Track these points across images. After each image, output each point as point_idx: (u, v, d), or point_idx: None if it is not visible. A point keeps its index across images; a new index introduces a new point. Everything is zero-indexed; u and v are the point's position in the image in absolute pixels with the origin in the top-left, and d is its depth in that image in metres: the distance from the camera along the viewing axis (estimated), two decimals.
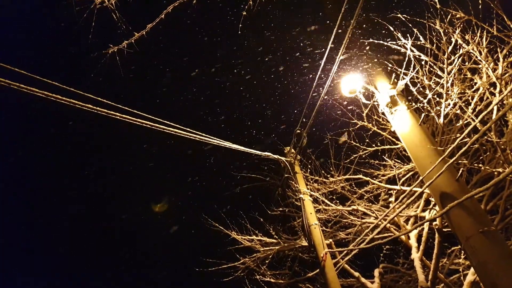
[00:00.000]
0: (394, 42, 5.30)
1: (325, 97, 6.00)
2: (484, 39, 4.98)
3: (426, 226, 7.04)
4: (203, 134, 5.55)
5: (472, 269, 6.19)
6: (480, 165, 5.94)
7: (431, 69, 5.37)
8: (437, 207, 6.25)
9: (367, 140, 7.18)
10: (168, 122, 4.89)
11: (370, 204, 7.90)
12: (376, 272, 7.73)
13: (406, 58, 5.10)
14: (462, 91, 5.36)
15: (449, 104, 5.09)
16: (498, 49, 4.88)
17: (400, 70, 5.12)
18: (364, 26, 5.86)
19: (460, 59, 5.08)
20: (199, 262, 9.05)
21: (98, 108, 3.97)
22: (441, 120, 4.92)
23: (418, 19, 5.31)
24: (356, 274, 7.52)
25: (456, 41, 5.10)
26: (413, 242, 7.23)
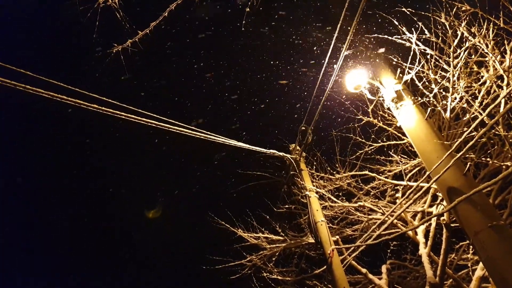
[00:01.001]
0: (399, 37, 5.25)
1: (330, 93, 5.97)
2: (490, 32, 4.91)
3: (433, 222, 6.99)
4: (208, 133, 5.55)
5: (481, 264, 6.14)
6: (488, 159, 5.88)
7: (437, 63, 5.32)
8: (444, 202, 6.20)
9: (372, 136, 7.15)
10: (173, 121, 4.90)
11: (377, 200, 7.86)
12: (384, 268, 7.70)
13: (411, 52, 5.05)
14: (469, 84, 5.30)
15: (455, 98, 5.04)
16: (505, 41, 4.82)
17: (405, 64, 5.08)
18: (368, 20, 5.82)
19: (466, 52, 5.02)
20: (205, 260, 9.08)
21: (103, 108, 3.98)
22: (448, 114, 4.87)
23: (423, 13, 5.26)
24: (364, 270, 7.50)
25: (462, 34, 5.04)
26: (420, 237, 7.18)
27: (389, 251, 8.71)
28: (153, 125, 4.61)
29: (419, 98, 5.06)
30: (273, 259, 8.65)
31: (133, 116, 4.28)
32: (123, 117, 4.25)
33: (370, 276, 7.42)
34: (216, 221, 8.88)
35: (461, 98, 5.16)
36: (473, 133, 4.87)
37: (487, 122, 4.82)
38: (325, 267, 7.61)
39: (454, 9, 5.05)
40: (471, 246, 7.80)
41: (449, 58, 5.03)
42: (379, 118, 6.59)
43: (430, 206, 7.08)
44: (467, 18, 5.00)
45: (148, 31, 4.11)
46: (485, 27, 4.91)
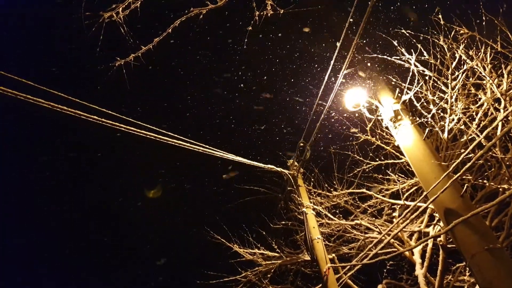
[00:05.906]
0: (398, 57, 5.33)
1: (329, 110, 6.02)
2: (488, 55, 5.00)
3: (430, 242, 6.96)
4: (207, 146, 5.56)
5: (477, 287, 6.09)
6: (485, 181, 5.90)
7: (435, 84, 5.39)
8: (441, 223, 6.19)
9: (370, 154, 7.16)
10: (172, 134, 4.91)
11: (374, 218, 7.83)
12: None
13: (410, 73, 5.12)
14: (466, 106, 5.35)
15: (453, 119, 5.08)
16: (502, 65, 4.90)
17: (404, 85, 5.14)
18: (368, 40, 5.91)
19: (464, 75, 5.09)
20: (200, 275, 8.98)
21: (102, 119, 4.01)
22: (445, 135, 4.91)
23: (422, 35, 5.35)
24: None
25: (460, 56, 5.12)
26: (417, 258, 7.14)
27: (385, 270, 8.64)
28: (152, 137, 4.63)
29: (417, 118, 5.10)
30: (268, 275, 8.55)
31: (132, 128, 4.30)
32: (123, 128, 4.28)
33: None
34: (212, 236, 8.81)
35: (459, 119, 5.20)
36: (470, 155, 4.90)
37: (484, 144, 4.85)
38: (320, 285, 7.54)
39: (453, 32, 5.14)
40: (467, 268, 7.75)
41: (447, 80, 5.10)
42: (377, 136, 6.62)
43: (427, 226, 7.06)
44: (465, 41, 5.09)
45: (151, 46, 4.17)
46: (482, 50, 4.99)
